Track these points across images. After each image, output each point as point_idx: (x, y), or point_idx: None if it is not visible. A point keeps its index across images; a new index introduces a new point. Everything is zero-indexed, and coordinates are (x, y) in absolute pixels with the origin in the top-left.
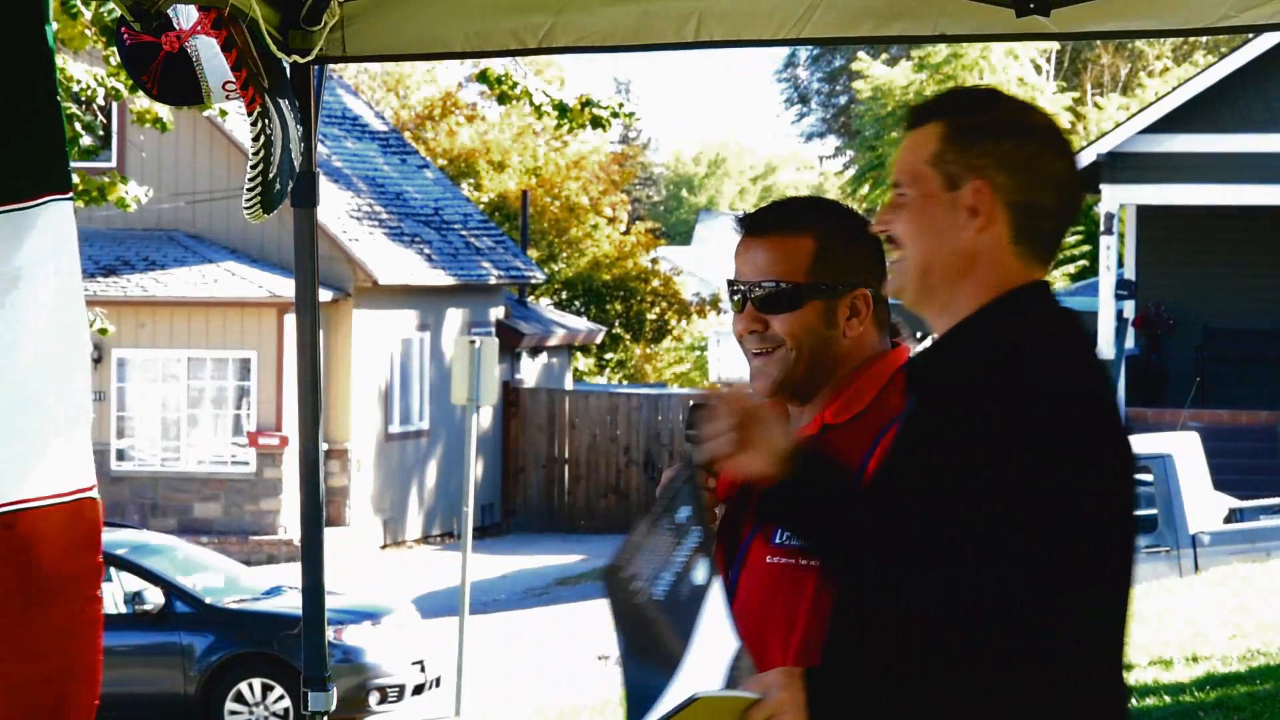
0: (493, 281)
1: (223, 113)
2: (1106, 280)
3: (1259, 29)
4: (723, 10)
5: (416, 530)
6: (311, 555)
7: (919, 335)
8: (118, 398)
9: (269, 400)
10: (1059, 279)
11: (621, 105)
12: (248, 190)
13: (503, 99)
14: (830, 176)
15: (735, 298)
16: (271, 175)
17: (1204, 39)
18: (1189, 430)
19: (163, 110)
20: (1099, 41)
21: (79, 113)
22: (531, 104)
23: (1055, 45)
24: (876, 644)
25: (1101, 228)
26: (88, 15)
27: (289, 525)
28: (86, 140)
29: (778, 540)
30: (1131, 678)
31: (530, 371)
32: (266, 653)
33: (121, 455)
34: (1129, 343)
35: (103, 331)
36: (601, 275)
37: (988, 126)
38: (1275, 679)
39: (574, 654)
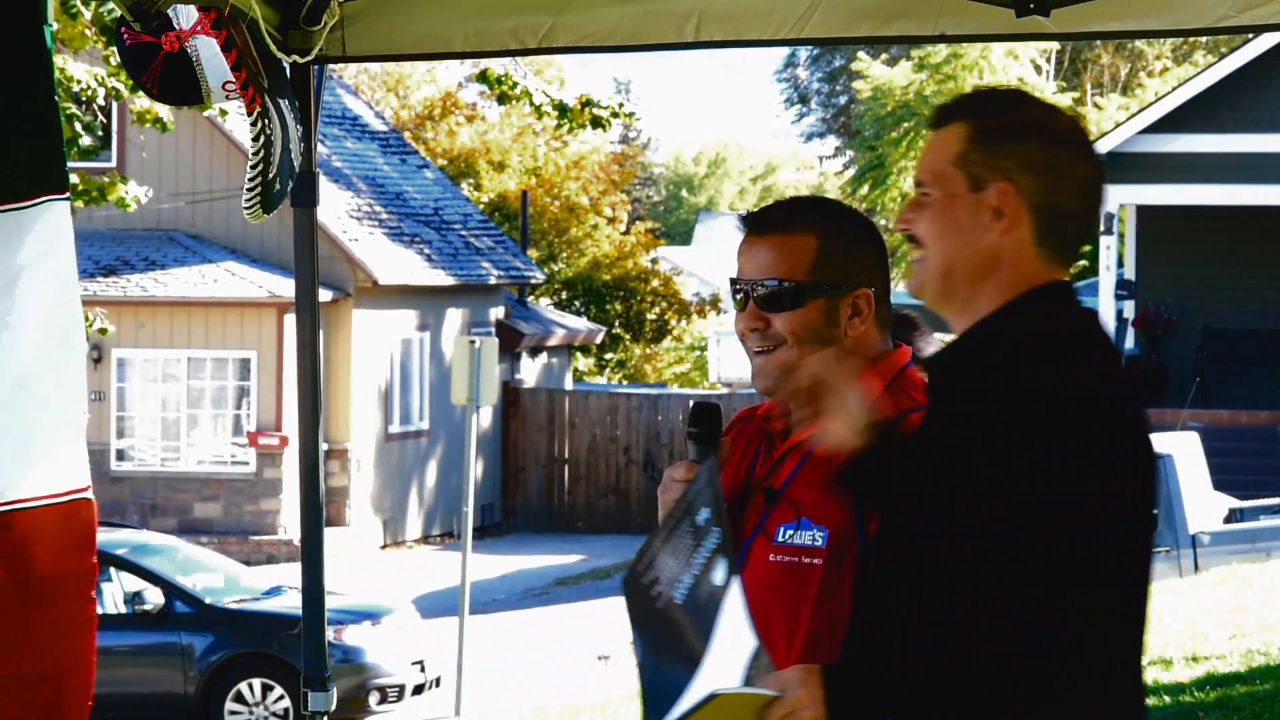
0: (493, 281)
1: (223, 113)
2: (1106, 280)
3: (1259, 29)
4: (723, 10)
5: (416, 530)
6: (311, 555)
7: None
8: (117, 398)
9: (269, 400)
10: None
11: (621, 105)
12: (248, 190)
13: (503, 99)
14: (830, 176)
15: (737, 296)
16: (271, 175)
17: (1204, 39)
18: (1189, 430)
19: (163, 110)
20: (1099, 41)
21: (79, 113)
22: (531, 104)
23: (1055, 45)
24: (894, 641)
25: (1101, 228)
26: (88, 15)
27: (289, 525)
28: (86, 140)
29: (780, 539)
30: None
31: (530, 371)
32: (266, 653)
33: (121, 455)
34: (1129, 343)
35: (102, 331)
36: (601, 275)
37: (1013, 128)
38: (1275, 679)
39: (574, 654)
